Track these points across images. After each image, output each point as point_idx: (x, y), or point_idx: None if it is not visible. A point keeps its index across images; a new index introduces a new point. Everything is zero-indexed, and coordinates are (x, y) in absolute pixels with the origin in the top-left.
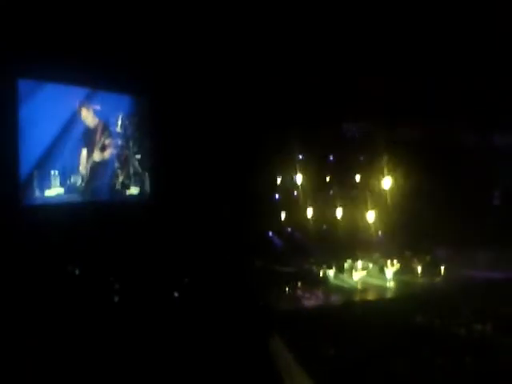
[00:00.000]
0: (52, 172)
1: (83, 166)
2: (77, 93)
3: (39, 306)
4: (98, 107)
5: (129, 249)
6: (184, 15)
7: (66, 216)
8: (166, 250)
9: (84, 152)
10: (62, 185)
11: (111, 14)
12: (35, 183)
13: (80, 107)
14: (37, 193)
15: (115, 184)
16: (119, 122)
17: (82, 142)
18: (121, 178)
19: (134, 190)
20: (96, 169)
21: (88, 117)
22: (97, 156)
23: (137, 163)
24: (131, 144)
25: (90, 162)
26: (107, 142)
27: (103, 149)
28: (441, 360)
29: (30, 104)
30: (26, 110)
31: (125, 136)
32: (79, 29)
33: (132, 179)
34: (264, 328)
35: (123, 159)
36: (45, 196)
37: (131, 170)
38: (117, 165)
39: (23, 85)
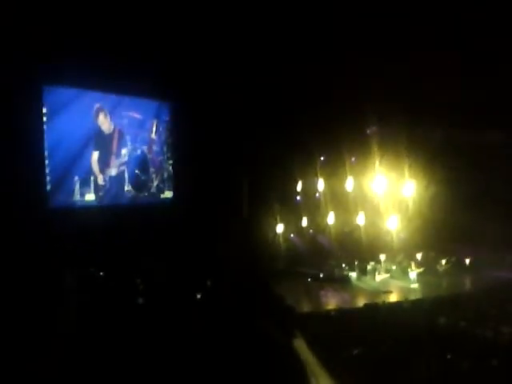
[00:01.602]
0: (92, 178)
1: (96, 168)
2: (111, 99)
3: (64, 305)
4: (132, 113)
5: (154, 251)
6: (217, 24)
7: (91, 219)
8: (189, 251)
9: (95, 155)
10: (94, 191)
11: (145, 21)
12: (74, 188)
13: (98, 111)
14: (77, 196)
15: (150, 188)
16: (154, 128)
17: (94, 145)
18: (155, 182)
19: (168, 194)
20: (113, 180)
21: (105, 122)
22: (113, 171)
23: (170, 168)
24: (165, 149)
25: (107, 175)
26: (123, 151)
27: (119, 160)
28: (466, 363)
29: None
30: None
31: (159, 142)
32: (112, 36)
33: (166, 183)
34: (287, 329)
35: (158, 164)
36: (85, 200)
37: (165, 175)
38: (152, 170)
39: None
